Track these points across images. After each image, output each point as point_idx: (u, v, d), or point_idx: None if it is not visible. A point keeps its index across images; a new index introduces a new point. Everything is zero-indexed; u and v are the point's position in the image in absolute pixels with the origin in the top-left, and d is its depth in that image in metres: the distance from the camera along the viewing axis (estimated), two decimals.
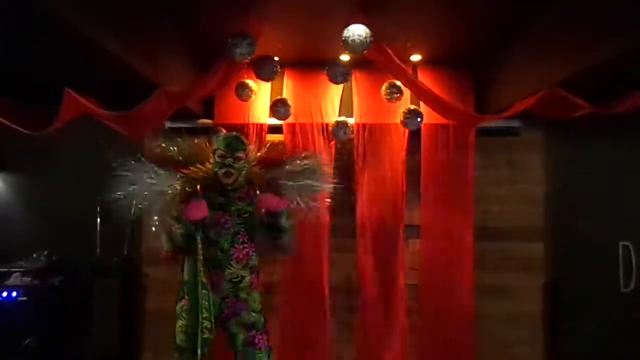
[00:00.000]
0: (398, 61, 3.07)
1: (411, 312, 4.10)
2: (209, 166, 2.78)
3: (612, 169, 4.29)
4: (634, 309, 4.24)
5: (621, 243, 4.28)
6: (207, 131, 3.98)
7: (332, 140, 4.08)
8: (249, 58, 2.83)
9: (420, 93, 3.49)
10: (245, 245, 2.78)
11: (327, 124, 4.08)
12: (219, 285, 2.73)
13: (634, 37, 2.39)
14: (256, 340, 2.81)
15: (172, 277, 4.14)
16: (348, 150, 4.16)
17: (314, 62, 3.89)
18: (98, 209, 4.13)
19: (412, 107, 3.90)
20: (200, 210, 2.58)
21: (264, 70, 3.53)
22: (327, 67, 3.50)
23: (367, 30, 2.77)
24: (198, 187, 2.69)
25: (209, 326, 2.65)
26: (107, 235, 4.13)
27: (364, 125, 4.09)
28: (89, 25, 2.36)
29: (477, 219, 4.11)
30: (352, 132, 4.06)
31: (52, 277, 4.09)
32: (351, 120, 4.08)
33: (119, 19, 2.59)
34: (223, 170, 2.74)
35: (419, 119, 3.83)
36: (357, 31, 2.76)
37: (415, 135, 4.08)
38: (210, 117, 4.12)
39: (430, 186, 4.11)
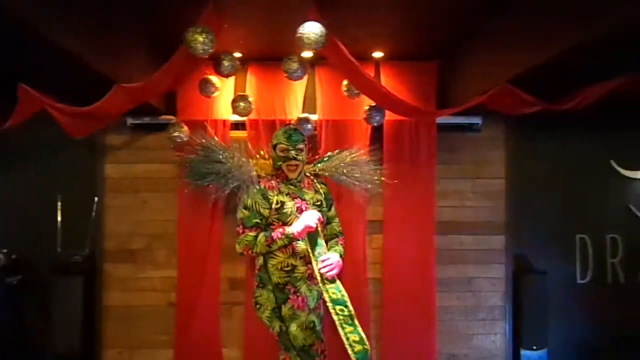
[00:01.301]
0: (352, 59, 3.08)
1: (375, 306, 4.15)
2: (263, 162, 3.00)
3: (570, 164, 4.40)
4: (590, 299, 4.38)
5: (578, 236, 4.40)
6: (169, 127, 3.97)
7: None
8: (209, 52, 2.80)
9: (371, 92, 3.51)
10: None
11: (290, 120, 4.09)
12: (313, 277, 2.80)
13: (583, 34, 2.44)
14: None
15: (134, 275, 4.16)
16: (312, 147, 4.17)
17: (277, 58, 3.88)
18: (59, 206, 4.06)
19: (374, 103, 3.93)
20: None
21: (223, 66, 3.51)
22: (284, 64, 3.49)
23: (322, 28, 2.78)
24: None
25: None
26: (68, 233, 4.07)
27: (327, 121, 4.11)
28: (45, 23, 2.31)
29: (440, 213, 4.18)
30: (316, 128, 4.07)
31: (11, 276, 4.01)
32: (314, 117, 4.10)
33: (74, 15, 2.55)
34: (287, 163, 2.80)
35: (380, 116, 3.86)
36: (311, 29, 2.76)
37: (378, 130, 4.12)
38: (173, 112, 4.09)
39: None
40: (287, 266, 2.77)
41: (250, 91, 4.12)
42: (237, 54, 3.95)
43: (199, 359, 4.04)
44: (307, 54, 3.81)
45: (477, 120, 4.16)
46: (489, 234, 4.26)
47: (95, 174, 4.16)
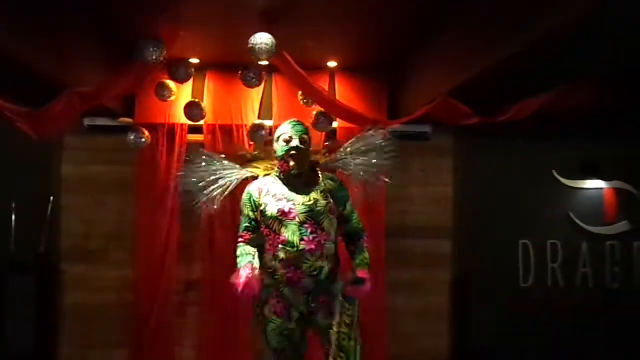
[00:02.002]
0: (299, 70, 3.22)
1: None
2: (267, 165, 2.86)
3: (515, 173, 4.61)
4: (532, 302, 4.59)
5: (521, 241, 4.62)
6: (128, 130, 4.05)
7: (250, 143, 4.20)
8: (160, 61, 2.91)
9: (321, 101, 3.66)
10: (315, 235, 2.61)
11: (246, 126, 4.20)
12: (299, 282, 2.61)
13: (507, 48, 2.62)
14: None
15: (90, 274, 4.21)
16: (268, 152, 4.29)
17: (234, 65, 4.00)
18: (13, 205, 4.09)
19: (323, 110, 4.07)
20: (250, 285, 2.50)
21: (178, 72, 3.62)
22: (240, 71, 3.61)
23: (272, 39, 2.91)
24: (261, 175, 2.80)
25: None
26: (22, 232, 4.10)
27: None
28: None
29: (389, 218, 4.33)
30: (271, 134, 4.19)
31: None
32: (270, 123, 4.22)
33: (26, 21, 2.62)
34: (290, 152, 2.66)
35: (327, 123, 4.00)
36: (262, 39, 2.89)
37: (332, 137, 4.25)
38: (131, 115, 4.17)
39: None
40: (270, 268, 2.66)
41: (208, 96, 4.23)
42: (195, 60, 4.06)
43: (154, 359, 4.12)
44: (264, 62, 3.95)
45: (426, 129, 4.34)
46: (436, 239, 4.44)
47: (51, 174, 4.21)
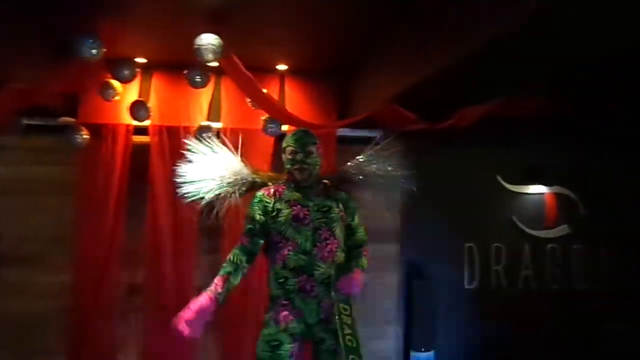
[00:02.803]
0: (246, 73, 3.19)
1: None
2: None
3: (461, 177, 4.70)
4: (475, 303, 4.70)
5: (466, 244, 4.73)
6: (69, 130, 3.91)
7: None
8: (97, 58, 2.82)
9: (266, 107, 3.64)
10: (328, 242, 2.61)
11: (193, 127, 4.12)
12: (312, 291, 2.56)
13: (461, 53, 2.66)
14: None
15: (26, 279, 4.04)
16: None
17: (182, 65, 3.92)
18: None
19: None
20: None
21: (121, 71, 3.52)
22: (185, 71, 3.54)
23: (219, 39, 2.87)
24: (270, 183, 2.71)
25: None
26: None
27: (231, 129, 4.18)
28: None
29: None
30: (218, 137, 4.12)
31: None
32: (218, 125, 4.16)
33: None
34: (296, 167, 2.62)
35: (275, 126, 3.98)
36: (208, 39, 2.85)
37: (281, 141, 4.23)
38: (73, 115, 4.03)
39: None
40: (281, 278, 2.60)
41: (154, 96, 4.13)
42: (141, 60, 3.97)
43: None
44: (213, 63, 3.89)
45: (376, 134, 4.36)
46: (383, 242, 4.47)
47: None
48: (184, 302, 3.99)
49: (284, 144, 2.76)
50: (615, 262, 4.87)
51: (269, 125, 3.96)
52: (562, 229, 4.88)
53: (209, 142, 2.80)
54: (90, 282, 3.99)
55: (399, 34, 3.21)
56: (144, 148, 4.10)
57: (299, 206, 2.63)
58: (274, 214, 2.62)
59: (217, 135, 3.99)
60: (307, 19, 3.29)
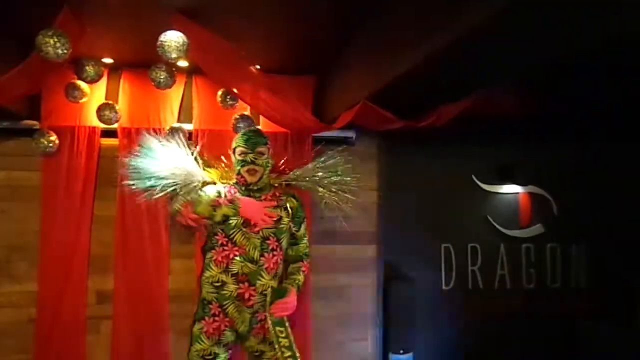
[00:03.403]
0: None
1: None
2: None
3: (437, 178, 4.70)
4: (453, 304, 4.69)
5: (443, 245, 4.71)
6: (32, 133, 3.76)
7: None
8: (63, 57, 2.70)
9: (252, 102, 3.58)
10: (275, 253, 2.57)
11: (164, 129, 4.01)
12: (249, 300, 2.51)
13: (421, 51, 2.62)
14: None
15: None
16: None
17: (151, 65, 3.82)
18: None
19: (246, 113, 3.97)
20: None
21: (85, 71, 3.39)
22: (149, 71, 3.43)
23: (183, 37, 2.78)
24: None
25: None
26: None
27: (202, 131, 4.08)
28: None
29: (313, 223, 4.27)
30: (189, 138, 4.02)
31: None
32: (189, 126, 4.06)
33: None
34: (246, 168, 2.56)
35: (246, 125, 3.90)
36: (171, 36, 2.76)
37: None
38: (37, 118, 3.87)
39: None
40: (217, 282, 2.53)
41: (123, 98, 4.01)
42: (108, 60, 3.84)
43: None
44: (183, 63, 3.79)
45: (350, 134, 4.33)
46: (361, 244, 4.44)
47: None
48: (157, 309, 3.95)
49: (233, 144, 2.70)
50: (588, 260, 4.92)
51: (240, 125, 3.87)
52: (536, 229, 4.90)
53: (162, 140, 2.71)
54: (57, 290, 3.84)
55: (375, 30, 3.16)
56: (112, 151, 3.96)
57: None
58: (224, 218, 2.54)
59: (186, 136, 3.92)
60: (278, 16, 3.22)
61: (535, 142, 4.74)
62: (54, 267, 3.84)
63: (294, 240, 2.74)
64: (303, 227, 2.77)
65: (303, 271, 2.73)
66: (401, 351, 4.36)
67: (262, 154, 2.61)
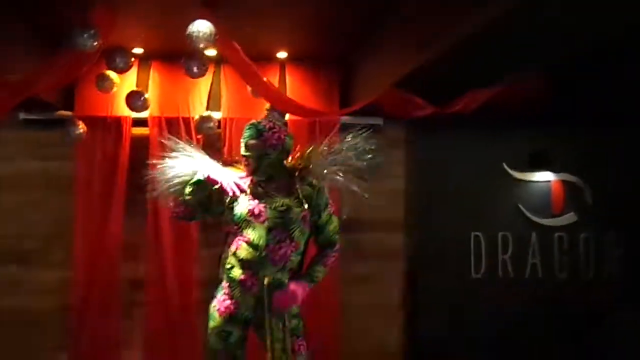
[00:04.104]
0: (246, 59, 3.11)
1: None
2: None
3: (466, 165, 4.61)
4: (482, 293, 4.63)
5: (473, 233, 4.65)
6: (66, 123, 3.85)
7: (198, 136, 4.05)
8: (94, 49, 2.74)
9: (266, 94, 3.57)
10: (283, 245, 2.48)
11: (193, 118, 4.05)
12: (252, 288, 2.48)
13: (451, 36, 2.58)
14: (296, 347, 2.52)
15: (25, 277, 3.99)
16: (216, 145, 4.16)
17: (180, 55, 3.83)
18: None
19: None
20: None
21: (115, 61, 3.44)
22: (182, 60, 3.46)
23: (211, 26, 2.79)
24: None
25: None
26: None
27: (231, 119, 4.11)
28: None
29: (342, 211, 4.25)
30: (218, 127, 4.06)
31: None
32: (218, 115, 4.09)
33: None
34: (243, 161, 2.58)
35: (279, 116, 3.89)
36: (200, 26, 2.78)
37: None
38: (71, 108, 3.96)
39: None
40: (228, 264, 2.55)
41: (153, 87, 4.07)
42: (138, 50, 3.89)
43: None
44: (212, 52, 3.81)
45: (378, 121, 4.29)
46: (388, 232, 4.42)
47: None
48: (187, 296, 4.02)
49: None
50: (623, 250, 4.80)
51: (271, 115, 3.87)
52: (569, 217, 4.79)
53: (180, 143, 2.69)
54: (91, 277, 3.95)
55: (400, 16, 3.13)
56: (143, 140, 4.02)
57: (256, 201, 2.52)
58: (233, 205, 2.54)
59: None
60: (305, 3, 3.21)
61: (568, 129, 4.61)
62: (87, 255, 3.94)
63: (318, 230, 2.65)
64: (325, 214, 2.64)
65: (326, 261, 2.63)
66: (430, 340, 4.34)
67: (252, 147, 2.53)
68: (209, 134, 3.97)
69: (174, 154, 2.62)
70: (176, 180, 2.59)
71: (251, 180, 2.60)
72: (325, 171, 2.61)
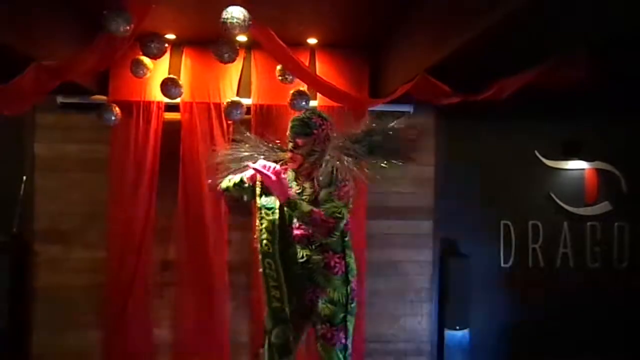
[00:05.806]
0: (282, 44, 3.12)
1: None
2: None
3: (497, 153, 4.58)
4: (511, 281, 4.59)
5: (502, 222, 4.60)
6: (101, 107, 3.94)
7: (228, 120, 4.10)
8: (127, 34, 2.80)
9: (303, 76, 3.57)
10: (300, 224, 2.58)
11: (223, 104, 4.10)
12: (291, 266, 2.57)
13: (483, 23, 2.53)
14: (329, 335, 2.54)
15: (64, 255, 4.13)
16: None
17: (212, 41, 3.88)
18: None
19: (301, 88, 3.97)
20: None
21: (149, 47, 3.50)
22: (213, 46, 3.49)
23: (246, 13, 2.81)
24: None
25: (277, 295, 2.49)
26: None
27: (260, 105, 4.15)
28: None
29: (371, 198, 4.28)
30: (247, 113, 4.09)
31: None
32: (248, 101, 4.13)
33: None
34: (288, 154, 2.60)
35: (304, 102, 3.91)
36: (235, 13, 2.79)
37: None
38: (105, 93, 4.05)
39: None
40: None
41: (185, 73, 4.12)
42: (171, 36, 3.95)
43: (130, 340, 4.05)
44: (242, 38, 3.84)
45: (408, 108, 4.27)
46: (417, 219, 4.41)
47: (24, 153, 4.10)
48: (216, 277, 4.10)
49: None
50: None
51: (297, 100, 3.90)
52: (603, 206, 4.70)
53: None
54: (124, 258, 4.05)
55: (431, 2, 3.08)
56: (175, 125, 4.10)
57: (290, 189, 2.58)
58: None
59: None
60: None
61: (602, 116, 4.51)
62: (121, 236, 4.05)
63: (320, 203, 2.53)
64: (324, 192, 2.50)
65: (314, 210, 2.46)
66: (457, 327, 4.34)
67: (301, 145, 2.55)
68: (239, 119, 3.99)
69: (240, 144, 2.77)
70: (234, 169, 2.73)
71: (284, 170, 2.63)
72: (328, 155, 2.56)
